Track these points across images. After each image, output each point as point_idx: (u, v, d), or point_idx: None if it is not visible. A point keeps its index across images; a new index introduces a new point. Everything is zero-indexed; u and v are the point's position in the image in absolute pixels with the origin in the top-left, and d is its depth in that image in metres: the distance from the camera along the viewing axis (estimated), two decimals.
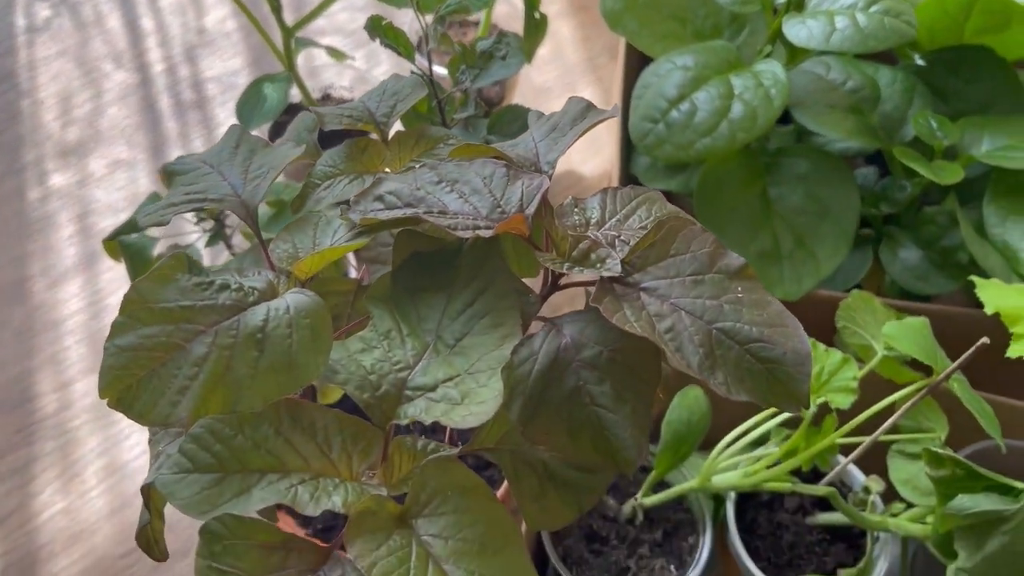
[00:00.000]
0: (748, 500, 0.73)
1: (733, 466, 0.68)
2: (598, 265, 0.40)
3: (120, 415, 0.90)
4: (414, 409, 0.38)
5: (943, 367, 0.57)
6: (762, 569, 0.69)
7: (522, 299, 0.45)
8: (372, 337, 0.40)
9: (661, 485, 0.71)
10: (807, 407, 0.37)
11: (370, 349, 0.39)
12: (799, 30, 0.72)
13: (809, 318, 0.71)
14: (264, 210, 0.77)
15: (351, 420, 0.39)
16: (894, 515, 0.68)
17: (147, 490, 0.41)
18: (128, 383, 0.36)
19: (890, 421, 0.61)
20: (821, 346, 0.63)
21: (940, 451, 0.58)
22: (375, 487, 0.38)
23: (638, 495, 0.70)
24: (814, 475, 0.72)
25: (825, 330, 0.72)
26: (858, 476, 0.73)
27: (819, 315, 0.75)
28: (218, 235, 0.73)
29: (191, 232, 0.77)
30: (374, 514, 0.36)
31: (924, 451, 0.59)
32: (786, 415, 0.65)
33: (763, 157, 0.80)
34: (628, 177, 0.85)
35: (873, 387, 0.65)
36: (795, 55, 0.78)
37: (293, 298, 0.38)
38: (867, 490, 0.71)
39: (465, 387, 0.38)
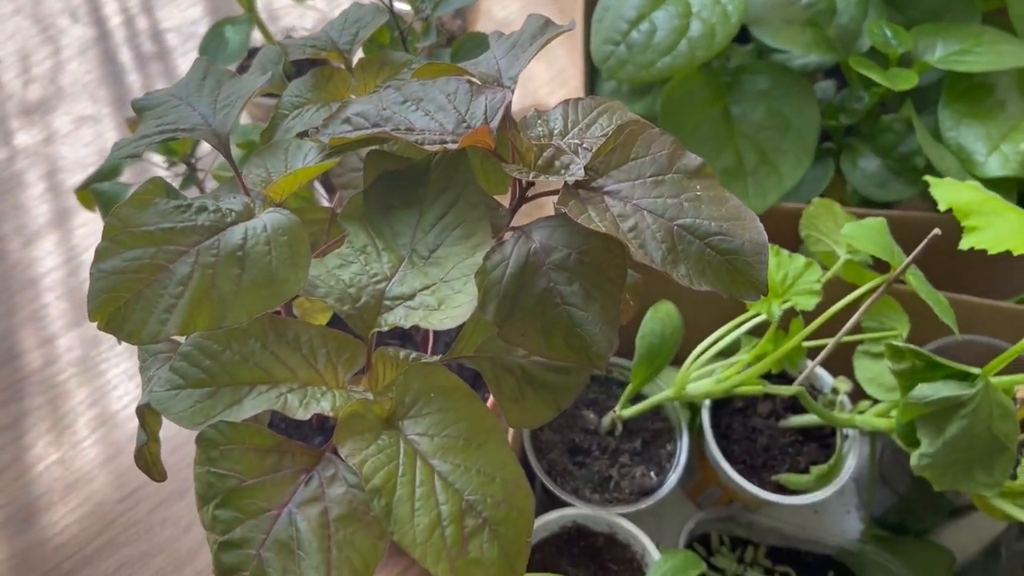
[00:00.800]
0: (722, 407, 0.76)
1: (706, 375, 0.71)
2: (562, 171, 0.41)
3: (107, 367, 0.91)
4: (393, 317, 0.40)
5: (900, 263, 0.60)
6: (738, 471, 0.72)
7: (492, 213, 0.46)
8: (349, 253, 0.41)
9: (638, 397, 0.73)
10: (764, 293, 0.39)
11: (348, 264, 0.41)
12: None
13: (774, 231, 0.74)
14: (236, 152, 0.78)
15: (334, 333, 0.41)
16: (861, 412, 0.71)
17: (142, 412, 0.43)
18: (116, 305, 0.37)
19: (853, 319, 0.63)
20: (785, 252, 0.65)
21: (900, 345, 0.61)
22: (361, 393, 0.40)
23: (616, 408, 0.73)
24: (784, 380, 0.75)
25: (791, 241, 0.74)
26: (827, 378, 0.76)
27: (784, 227, 0.77)
28: (190, 178, 0.74)
29: (163, 177, 0.77)
30: (362, 416, 0.38)
31: (886, 346, 0.61)
32: (754, 322, 0.68)
33: (724, 76, 0.81)
34: None
35: (839, 293, 0.67)
36: None
37: (269, 217, 0.39)
38: (835, 391, 0.74)
39: (441, 294, 0.40)
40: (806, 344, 0.72)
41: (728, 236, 0.40)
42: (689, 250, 0.40)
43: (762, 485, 0.72)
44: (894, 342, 0.61)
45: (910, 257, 0.56)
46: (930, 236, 0.54)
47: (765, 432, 0.75)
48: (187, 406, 0.38)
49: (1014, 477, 0.64)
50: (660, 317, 0.71)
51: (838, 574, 0.76)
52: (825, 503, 0.86)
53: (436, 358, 0.43)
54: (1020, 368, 0.65)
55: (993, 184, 0.71)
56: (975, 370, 0.59)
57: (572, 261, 0.40)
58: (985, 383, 0.58)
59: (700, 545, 0.76)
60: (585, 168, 0.41)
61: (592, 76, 0.87)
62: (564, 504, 0.70)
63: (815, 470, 0.71)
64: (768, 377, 0.73)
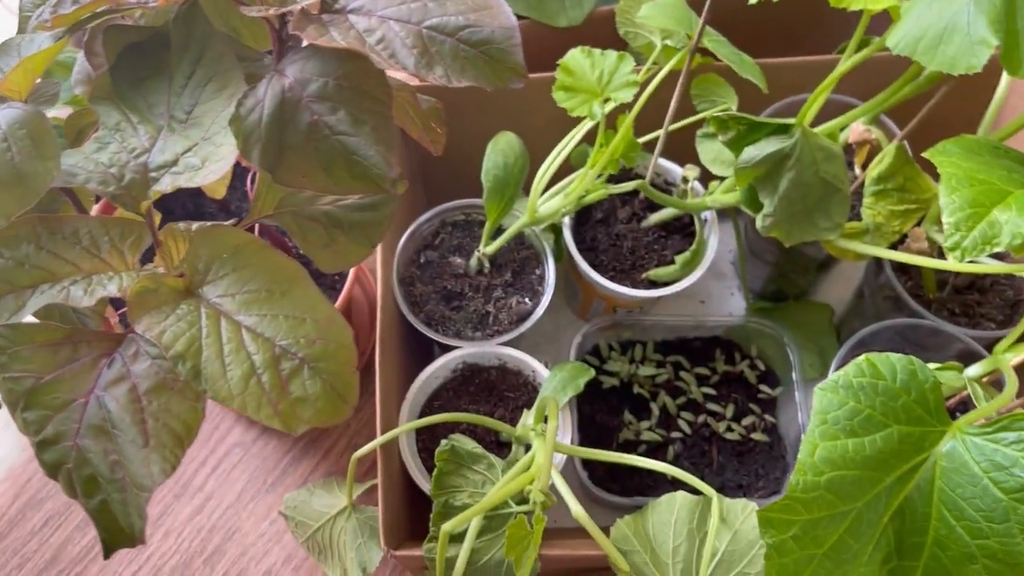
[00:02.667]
0: (584, 223, 0.77)
1: (557, 194, 0.71)
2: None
3: None
4: (160, 186, 0.39)
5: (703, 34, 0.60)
6: (610, 278, 0.74)
7: (256, 64, 0.45)
8: (104, 134, 0.40)
9: (499, 232, 0.74)
10: (525, 75, 0.39)
11: (105, 146, 0.39)
12: None
13: (599, 37, 0.73)
14: None
15: (115, 219, 0.40)
16: (712, 194, 0.73)
17: None
18: None
19: (673, 101, 0.64)
20: (597, 51, 0.65)
21: (722, 115, 0.61)
22: (153, 271, 0.39)
23: (480, 247, 0.73)
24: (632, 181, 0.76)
25: (619, 44, 0.73)
26: (676, 170, 0.77)
27: (608, 32, 0.76)
28: None
29: None
30: (154, 292, 0.38)
31: (710, 119, 0.62)
32: (586, 129, 0.68)
33: None
34: None
35: (671, 85, 0.67)
36: None
37: (3, 114, 0.37)
38: (685, 179, 0.75)
39: (204, 152, 0.39)
40: (645, 140, 0.73)
41: (477, 27, 0.39)
42: (443, 50, 0.39)
43: (635, 285, 0.74)
44: (717, 113, 0.62)
45: (701, 20, 0.56)
46: None
47: (629, 236, 0.76)
48: None
49: (859, 218, 0.67)
50: (501, 148, 0.71)
51: (725, 351, 0.79)
52: (709, 290, 0.90)
53: (229, 222, 0.42)
54: (841, 113, 0.67)
55: None
56: (791, 120, 0.60)
57: (331, 89, 0.39)
58: (802, 130, 0.60)
59: (592, 356, 0.79)
60: None
61: None
62: (451, 349, 0.71)
63: (679, 259, 0.73)
64: (617, 181, 0.74)
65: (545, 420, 0.67)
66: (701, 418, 0.76)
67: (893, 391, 0.48)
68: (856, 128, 0.70)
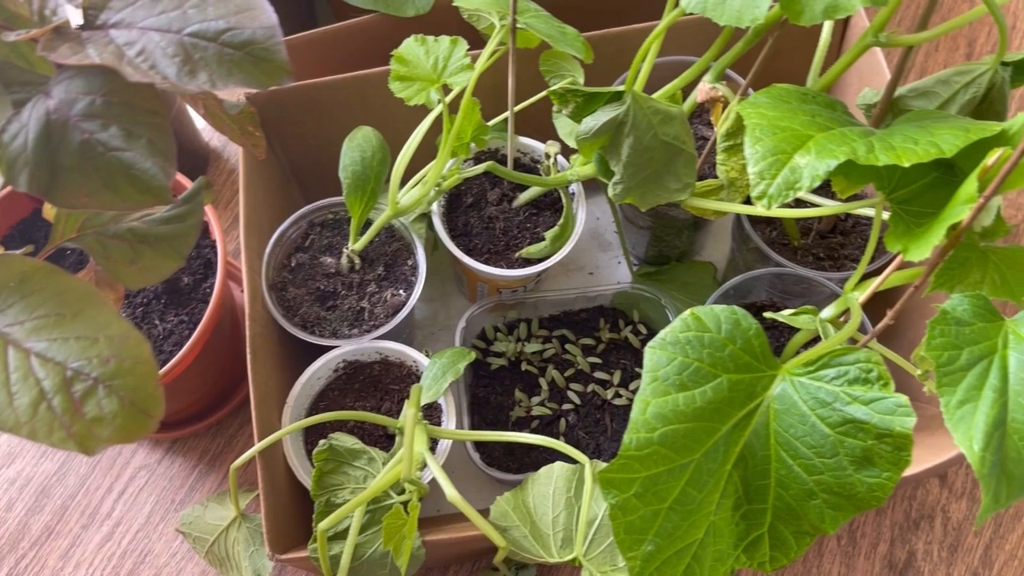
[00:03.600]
0: (455, 209, 0.78)
1: (416, 183, 0.71)
2: (53, 19, 0.39)
3: None
4: None
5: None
6: (485, 261, 0.74)
7: (40, 89, 0.44)
8: None
9: (367, 228, 0.74)
10: (291, 73, 0.39)
11: None
12: None
13: (448, 24, 0.73)
14: None
15: None
16: (572, 168, 0.73)
17: None
18: None
19: (510, 81, 0.64)
20: (430, 38, 0.65)
21: (558, 89, 0.62)
22: None
23: (348, 245, 0.73)
24: (500, 162, 0.77)
25: (467, 30, 0.74)
26: (540, 147, 0.77)
27: (457, 18, 0.76)
28: None
29: None
30: None
31: (549, 95, 0.63)
32: (431, 118, 0.68)
33: None
34: None
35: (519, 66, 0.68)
36: None
37: None
38: (548, 155, 0.75)
39: None
40: (500, 120, 0.73)
41: (239, 29, 0.39)
42: (207, 56, 0.39)
43: (510, 266, 0.75)
44: (553, 88, 0.62)
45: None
46: None
47: (501, 217, 0.77)
48: None
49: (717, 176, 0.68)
50: (358, 143, 0.71)
51: (610, 320, 0.80)
52: (596, 261, 0.90)
53: (21, 251, 0.42)
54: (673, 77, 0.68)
55: None
56: (620, 88, 0.61)
57: (99, 106, 0.39)
58: (632, 96, 0.61)
59: (480, 340, 0.79)
60: (85, 9, 0.40)
61: None
62: (330, 349, 0.71)
63: (548, 234, 0.73)
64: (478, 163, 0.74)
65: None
66: (590, 388, 0.77)
67: (719, 342, 0.49)
68: (702, 87, 0.71)
